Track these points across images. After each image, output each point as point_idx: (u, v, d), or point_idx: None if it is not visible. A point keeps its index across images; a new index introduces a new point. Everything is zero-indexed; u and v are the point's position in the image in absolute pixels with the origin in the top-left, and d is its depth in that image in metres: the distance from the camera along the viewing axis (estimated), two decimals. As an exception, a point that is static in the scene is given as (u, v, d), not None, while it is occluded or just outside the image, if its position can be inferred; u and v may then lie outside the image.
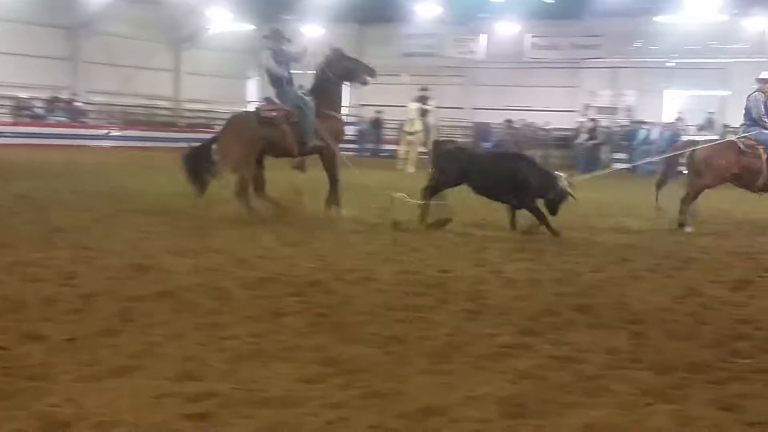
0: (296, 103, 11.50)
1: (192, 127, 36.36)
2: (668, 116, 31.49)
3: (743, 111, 12.39)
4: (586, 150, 29.91)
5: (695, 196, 11.69)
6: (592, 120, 31.53)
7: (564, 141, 32.31)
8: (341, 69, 11.94)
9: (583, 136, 30.60)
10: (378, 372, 4.52)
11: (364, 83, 12.49)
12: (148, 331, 5.15)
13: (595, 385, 4.43)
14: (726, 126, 29.87)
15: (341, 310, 5.93)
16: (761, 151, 11.69)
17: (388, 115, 33.34)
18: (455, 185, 11.02)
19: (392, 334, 5.29)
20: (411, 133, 24.47)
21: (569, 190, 10.46)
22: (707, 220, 12.51)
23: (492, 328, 5.55)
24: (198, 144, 11.81)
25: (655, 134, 28.80)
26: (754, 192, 12.13)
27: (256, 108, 11.68)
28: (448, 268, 7.80)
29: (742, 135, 12.11)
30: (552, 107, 35.14)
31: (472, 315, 5.96)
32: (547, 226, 10.31)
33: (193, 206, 11.33)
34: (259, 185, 11.43)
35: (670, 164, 12.57)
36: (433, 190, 10.95)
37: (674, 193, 11.78)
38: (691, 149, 12.09)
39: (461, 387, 4.31)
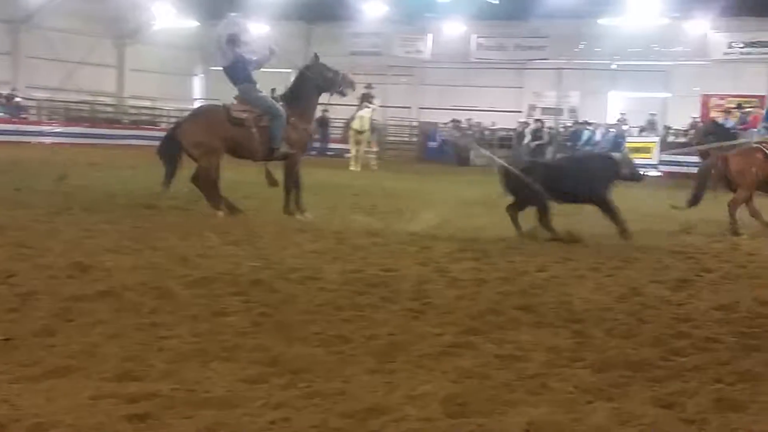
0: (268, 108, 11.34)
1: (136, 124, 35.95)
2: (611, 117, 31.94)
3: (764, 114, 12.80)
4: (531, 150, 30.23)
5: (740, 205, 11.99)
6: (537, 120, 31.86)
7: (509, 141, 32.62)
8: (320, 79, 11.78)
9: (528, 137, 30.91)
10: (321, 371, 4.49)
11: (344, 95, 12.31)
12: (88, 331, 5.06)
13: (536, 383, 4.46)
14: (667, 127, 30.50)
15: (285, 310, 5.89)
16: None
17: (334, 114, 33.29)
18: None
19: (336, 334, 5.26)
20: (360, 132, 24.40)
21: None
22: (651, 220, 12.70)
23: (436, 328, 5.55)
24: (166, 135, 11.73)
25: (598, 135, 29.22)
26: None
27: (226, 106, 11.46)
28: (392, 267, 7.80)
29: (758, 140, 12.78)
30: (498, 107, 35.46)
31: (416, 314, 5.97)
32: (621, 225, 10.40)
33: (136, 204, 11.19)
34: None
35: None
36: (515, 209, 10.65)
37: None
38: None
39: (404, 386, 4.30)
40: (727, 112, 28.26)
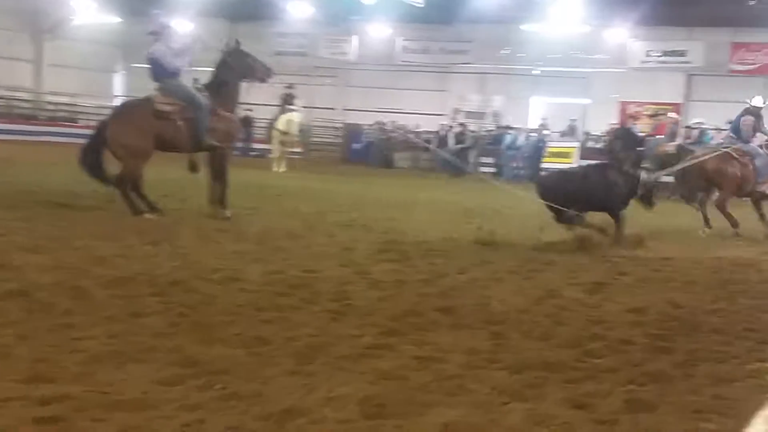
0: (191, 99, 11.13)
1: (53, 121, 35.14)
2: (533, 122, 32.39)
3: (731, 127, 14.27)
4: (455, 153, 30.46)
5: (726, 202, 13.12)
6: (461, 124, 32.12)
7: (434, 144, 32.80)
8: (241, 66, 11.63)
9: (452, 140, 31.13)
10: (239, 373, 4.46)
11: (262, 82, 12.14)
12: (-2, 332, 4.93)
13: (454, 384, 4.50)
14: (587, 133, 31.05)
15: (204, 310, 5.83)
16: (748, 160, 13.24)
17: (258, 114, 33.06)
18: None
19: (256, 335, 5.23)
20: (285, 133, 24.10)
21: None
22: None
23: (356, 329, 5.56)
24: (89, 138, 11.26)
25: (521, 139, 29.60)
26: (740, 197, 13.82)
27: (149, 98, 11.16)
28: (313, 268, 7.78)
29: (727, 146, 13.71)
30: (422, 110, 35.64)
31: (336, 316, 5.96)
32: (622, 234, 10.68)
33: (53, 203, 10.94)
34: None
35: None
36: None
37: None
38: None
39: (322, 388, 4.30)
40: (635, 118, 29.29)
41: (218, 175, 11.36)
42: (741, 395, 4.59)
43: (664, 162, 23.39)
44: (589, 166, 13.67)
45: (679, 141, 24.46)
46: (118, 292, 6.19)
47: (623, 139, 25.94)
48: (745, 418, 4.22)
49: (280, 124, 24.11)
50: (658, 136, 26.85)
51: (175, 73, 11.25)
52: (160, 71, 11.24)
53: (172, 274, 7.00)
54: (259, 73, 11.84)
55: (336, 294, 6.71)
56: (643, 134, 27.97)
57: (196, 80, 11.57)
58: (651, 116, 28.88)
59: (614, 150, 12.73)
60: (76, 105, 36.66)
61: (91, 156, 10.91)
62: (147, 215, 10.62)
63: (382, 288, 7.10)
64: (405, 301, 6.62)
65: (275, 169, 23.77)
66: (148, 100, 11.17)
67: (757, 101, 14.67)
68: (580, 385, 4.63)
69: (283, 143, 24.30)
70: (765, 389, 4.74)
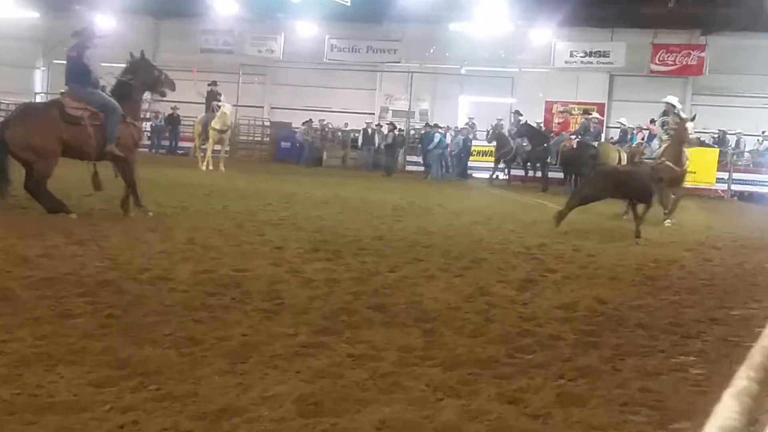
0: (104, 105, 10.88)
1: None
2: (461, 121, 32.68)
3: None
4: (383, 151, 30.62)
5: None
6: (390, 123, 32.26)
7: (359, 142, 32.94)
8: (147, 77, 11.53)
9: (380, 138, 31.26)
10: (172, 373, 4.41)
11: (163, 95, 12.23)
12: None
13: (389, 381, 4.53)
14: (509, 131, 31.46)
15: (133, 311, 5.74)
16: None
17: (184, 112, 32.67)
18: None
19: (187, 335, 5.18)
20: (222, 131, 23.76)
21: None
22: (497, 222, 13.11)
23: (289, 328, 5.54)
24: None
25: (448, 138, 29.87)
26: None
27: (58, 102, 10.91)
28: (244, 267, 7.74)
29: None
30: (350, 109, 35.66)
31: (268, 315, 5.93)
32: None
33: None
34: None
35: None
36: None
37: None
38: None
39: (257, 387, 4.28)
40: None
41: (126, 180, 11.15)
42: (667, 388, 4.71)
43: (566, 156, 24.11)
44: None
45: (601, 140, 25.09)
46: (44, 293, 6.06)
47: (527, 134, 26.98)
48: (672, 410, 4.34)
49: (217, 123, 23.64)
50: (563, 132, 27.61)
51: (93, 79, 10.99)
52: (78, 74, 10.97)
53: (99, 275, 6.88)
54: (163, 85, 11.77)
55: (268, 293, 6.68)
56: (547, 131, 29.11)
57: (104, 87, 11.27)
58: (581, 115, 29.79)
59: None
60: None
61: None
62: (73, 215, 10.37)
63: (315, 287, 7.09)
64: (338, 299, 6.62)
65: (202, 167, 23.49)
66: (57, 103, 10.91)
67: (671, 99, 15.46)
68: (512, 380, 4.70)
69: (219, 141, 23.95)
70: (690, 382, 4.88)
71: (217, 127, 23.67)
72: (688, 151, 15.52)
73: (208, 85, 24.99)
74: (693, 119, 15.66)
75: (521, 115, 28.82)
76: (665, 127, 15.58)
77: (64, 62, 11.38)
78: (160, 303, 6.04)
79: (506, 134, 28.24)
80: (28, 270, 6.87)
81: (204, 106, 25.63)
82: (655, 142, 16.23)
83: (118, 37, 38.30)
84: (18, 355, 4.54)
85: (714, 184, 27.38)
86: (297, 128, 34.01)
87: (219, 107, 23.99)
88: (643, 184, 12.54)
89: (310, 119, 33.52)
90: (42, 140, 10.44)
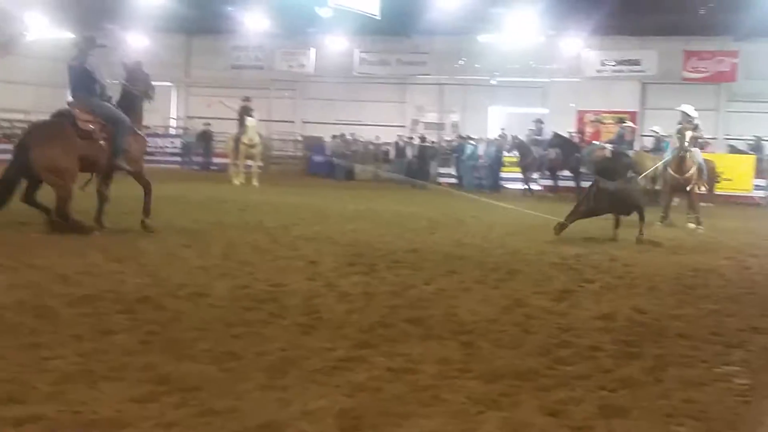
0: (113, 117, 10.77)
1: (8, 138, 34.67)
2: (492, 132, 32.61)
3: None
4: (415, 164, 30.62)
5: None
6: (421, 136, 32.28)
7: (392, 155, 32.99)
8: (145, 84, 11.50)
9: (412, 151, 31.27)
10: (213, 389, 4.43)
11: (150, 99, 11.91)
12: (-36, 354, 4.85)
13: (429, 395, 4.52)
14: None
15: (173, 327, 5.78)
16: None
17: (216, 129, 32.93)
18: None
19: (227, 350, 5.20)
20: (252, 146, 23.91)
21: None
22: (531, 233, 13.05)
23: (327, 342, 5.55)
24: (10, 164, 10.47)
25: (481, 150, 29.80)
26: None
27: (69, 115, 10.60)
28: (280, 282, 7.77)
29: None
30: (381, 122, 35.72)
31: (306, 329, 5.95)
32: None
33: (9, 220, 10.76)
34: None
35: None
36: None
37: None
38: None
39: (297, 401, 4.29)
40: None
41: (147, 188, 11.18)
42: (711, 398, 4.66)
43: (600, 166, 23.94)
44: None
45: (637, 148, 24.92)
46: (85, 311, 6.13)
47: (559, 145, 26.83)
48: (717, 421, 4.29)
49: (245, 137, 23.84)
50: (594, 142, 27.45)
51: (100, 88, 10.87)
52: (84, 83, 10.81)
53: (139, 291, 6.94)
54: (151, 90, 11.73)
55: (305, 307, 6.70)
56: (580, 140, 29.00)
57: (110, 98, 11.14)
58: (616, 123, 29.72)
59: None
60: (30, 122, 36.18)
61: (14, 176, 10.30)
62: (97, 232, 10.34)
63: (351, 300, 7.10)
64: (374, 313, 6.63)
65: (236, 182, 23.61)
66: (68, 117, 10.61)
67: (686, 108, 15.77)
68: (553, 392, 4.67)
69: (250, 157, 24.10)
70: (734, 392, 4.82)
71: (246, 141, 23.87)
72: (716, 159, 15.67)
73: (242, 100, 25.13)
74: (695, 129, 15.63)
75: (542, 123, 28.77)
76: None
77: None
78: (199, 319, 6.08)
79: (527, 143, 28.15)
80: (68, 288, 6.94)
81: (239, 122, 25.75)
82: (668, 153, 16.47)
83: (150, 55, 38.78)
84: (60, 373, 4.59)
85: (751, 191, 27.06)
86: (329, 142, 34.06)
87: (250, 119, 24.19)
88: (634, 201, 12.89)
89: (342, 134, 33.62)
90: (65, 161, 10.27)
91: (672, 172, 15.51)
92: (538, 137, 29.02)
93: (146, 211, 11.18)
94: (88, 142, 10.49)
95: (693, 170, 15.47)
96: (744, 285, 9.00)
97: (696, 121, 15.71)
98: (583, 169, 25.83)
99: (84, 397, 4.20)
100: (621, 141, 21.31)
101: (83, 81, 10.84)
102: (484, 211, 15.95)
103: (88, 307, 6.26)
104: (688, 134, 15.17)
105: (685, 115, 15.63)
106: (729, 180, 26.41)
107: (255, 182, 23.41)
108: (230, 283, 7.57)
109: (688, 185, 15.54)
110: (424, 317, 6.50)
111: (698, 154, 15.90)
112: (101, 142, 10.61)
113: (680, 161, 15.35)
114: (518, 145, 28.17)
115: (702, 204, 21.53)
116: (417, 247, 10.87)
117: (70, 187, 10.42)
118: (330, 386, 4.60)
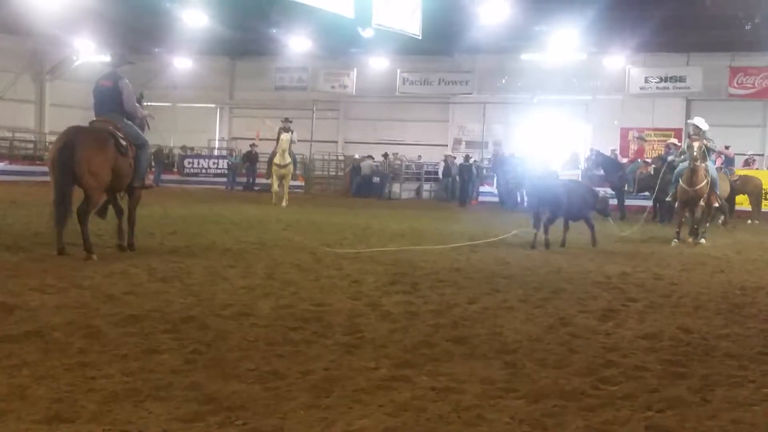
0: (137, 137, 10.92)
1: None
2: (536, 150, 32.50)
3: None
4: (458, 182, 30.62)
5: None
6: (465, 155, 32.27)
7: (436, 173, 33.07)
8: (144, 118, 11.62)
9: (455, 169, 31.28)
10: (258, 408, 4.45)
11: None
12: (15, 373, 4.93)
13: (472, 414, 4.50)
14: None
15: (217, 346, 5.83)
16: None
17: (261, 150, 33.26)
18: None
19: (271, 370, 5.23)
20: (282, 166, 23.83)
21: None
22: (576, 251, 12.96)
23: (370, 361, 5.56)
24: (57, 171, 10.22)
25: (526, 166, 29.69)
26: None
27: (110, 131, 10.52)
28: (323, 301, 7.79)
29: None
30: (423, 141, 35.83)
31: (350, 348, 5.96)
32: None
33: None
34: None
35: None
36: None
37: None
38: None
39: (341, 421, 4.30)
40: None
41: (131, 213, 11.11)
42: (761, 419, 4.58)
43: (644, 184, 23.70)
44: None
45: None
46: (131, 330, 6.20)
47: (603, 164, 26.63)
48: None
49: (278, 158, 23.71)
50: (638, 160, 27.15)
51: (129, 109, 10.94)
52: (115, 104, 10.82)
53: (183, 311, 7.01)
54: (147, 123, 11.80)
55: (348, 327, 6.72)
56: (621, 158, 28.68)
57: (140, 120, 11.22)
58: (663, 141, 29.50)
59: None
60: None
61: (67, 184, 10.10)
62: (94, 257, 10.04)
63: (394, 320, 7.11)
64: (417, 332, 6.62)
65: (275, 203, 23.57)
66: (110, 133, 10.53)
67: (697, 121, 15.57)
68: (599, 412, 4.63)
69: (281, 177, 23.97)
70: (784, 412, 4.74)
71: (278, 162, 23.76)
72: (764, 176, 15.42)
73: (282, 121, 25.13)
74: (707, 141, 15.40)
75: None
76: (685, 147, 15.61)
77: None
78: (243, 338, 6.12)
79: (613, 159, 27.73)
80: (114, 307, 7.03)
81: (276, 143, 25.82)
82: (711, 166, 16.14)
83: (195, 78, 39.24)
84: (107, 392, 4.65)
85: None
86: (373, 162, 34.14)
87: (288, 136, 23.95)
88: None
89: (371, 155, 33.71)
90: (105, 168, 10.30)
91: (683, 185, 15.26)
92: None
93: (131, 237, 11.13)
94: (123, 158, 10.54)
95: (704, 183, 15.19)
96: (793, 303, 8.84)
97: (707, 134, 15.49)
98: (627, 188, 25.55)
99: (130, 416, 4.25)
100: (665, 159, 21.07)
101: (113, 101, 10.84)
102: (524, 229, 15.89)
103: (134, 326, 6.33)
104: (696, 144, 14.90)
105: (696, 127, 15.44)
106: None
107: (284, 203, 23.26)
108: (274, 303, 7.61)
109: (699, 198, 15.25)
110: (468, 336, 6.48)
111: (712, 168, 15.63)
112: (131, 160, 10.71)
113: (691, 173, 15.10)
114: (602, 162, 27.19)
115: (748, 221, 21.26)
116: (460, 266, 10.85)
117: (101, 194, 10.52)
118: (373, 406, 4.60)
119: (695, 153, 14.83)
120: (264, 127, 28.50)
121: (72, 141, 10.16)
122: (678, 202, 15.72)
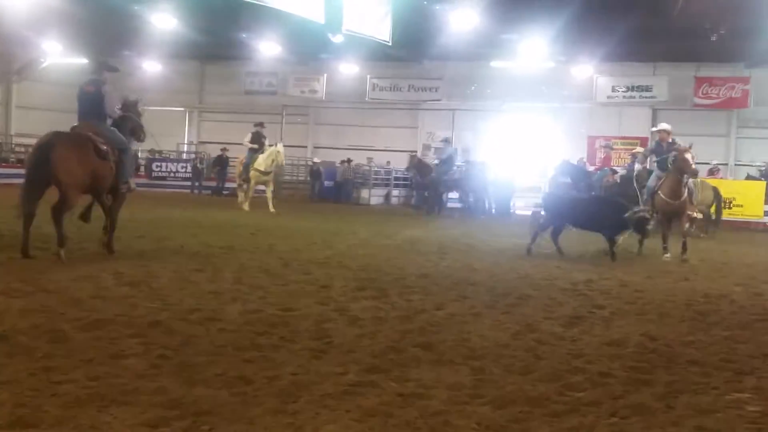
0: (120, 141, 10.98)
1: (23, 163, 34.90)
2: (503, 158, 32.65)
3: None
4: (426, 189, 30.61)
5: None
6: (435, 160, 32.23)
7: (405, 179, 33.10)
8: (134, 122, 11.64)
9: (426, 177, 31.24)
10: (225, 413, 4.44)
11: (140, 140, 12.18)
12: (-23, 377, 4.88)
13: (439, 420, 4.52)
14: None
15: (184, 351, 5.79)
16: None
17: (232, 153, 33.11)
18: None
19: (238, 375, 5.21)
20: (266, 173, 23.53)
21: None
22: (542, 258, 13.04)
23: (338, 367, 5.56)
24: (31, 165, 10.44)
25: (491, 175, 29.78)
26: None
27: (88, 135, 10.60)
28: (292, 306, 7.77)
29: None
30: (393, 147, 35.88)
31: (317, 354, 5.96)
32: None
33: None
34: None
35: None
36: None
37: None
38: None
39: (309, 426, 4.30)
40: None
41: (112, 218, 11.11)
42: (723, 426, 4.64)
43: (607, 191, 23.89)
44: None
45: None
46: (97, 335, 6.15)
47: (570, 173, 26.82)
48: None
49: (261, 164, 23.42)
50: (605, 168, 27.39)
51: (102, 115, 10.99)
52: (97, 109, 10.96)
53: (150, 315, 6.96)
54: (141, 131, 11.82)
55: (316, 332, 6.71)
56: (588, 166, 28.92)
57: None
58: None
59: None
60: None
61: (37, 185, 10.21)
62: (62, 252, 10.09)
63: (362, 325, 7.11)
64: (385, 337, 6.63)
65: (245, 207, 23.34)
66: (88, 137, 10.60)
67: (663, 126, 15.88)
68: (564, 419, 4.66)
69: (263, 183, 23.78)
70: (746, 420, 4.80)
71: (261, 168, 23.48)
72: (710, 183, 15.34)
73: (254, 125, 24.89)
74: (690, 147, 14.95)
75: (450, 143, 28.59)
76: (670, 159, 14.74)
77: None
78: (211, 343, 6.09)
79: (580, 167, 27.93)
80: (80, 311, 6.97)
81: (250, 147, 25.58)
82: (652, 177, 15.50)
83: (165, 81, 39.01)
84: (72, 396, 4.61)
85: (762, 217, 27.00)
86: (338, 167, 34.13)
87: (266, 147, 23.76)
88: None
89: (348, 158, 33.72)
90: (79, 168, 10.30)
91: (665, 198, 14.41)
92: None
93: (110, 243, 11.12)
94: (102, 162, 10.57)
95: (686, 194, 14.54)
96: (756, 311, 8.95)
97: (678, 141, 15.00)
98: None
99: (94, 422, 4.22)
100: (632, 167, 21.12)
101: (96, 106, 10.96)
102: (494, 237, 15.97)
103: (100, 331, 6.28)
104: (689, 156, 14.12)
105: (665, 133, 15.12)
106: (740, 206, 26.40)
107: (271, 208, 23.09)
108: (241, 308, 7.58)
109: (684, 211, 14.66)
110: (435, 342, 6.50)
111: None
112: (111, 164, 10.73)
113: (677, 186, 14.37)
114: (569, 171, 27.28)
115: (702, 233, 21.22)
116: (428, 272, 10.87)
117: (77, 196, 10.49)
118: (341, 411, 4.60)
119: (693, 167, 14.30)
120: (235, 130, 28.28)
121: (50, 141, 10.28)
122: (660, 215, 14.66)
